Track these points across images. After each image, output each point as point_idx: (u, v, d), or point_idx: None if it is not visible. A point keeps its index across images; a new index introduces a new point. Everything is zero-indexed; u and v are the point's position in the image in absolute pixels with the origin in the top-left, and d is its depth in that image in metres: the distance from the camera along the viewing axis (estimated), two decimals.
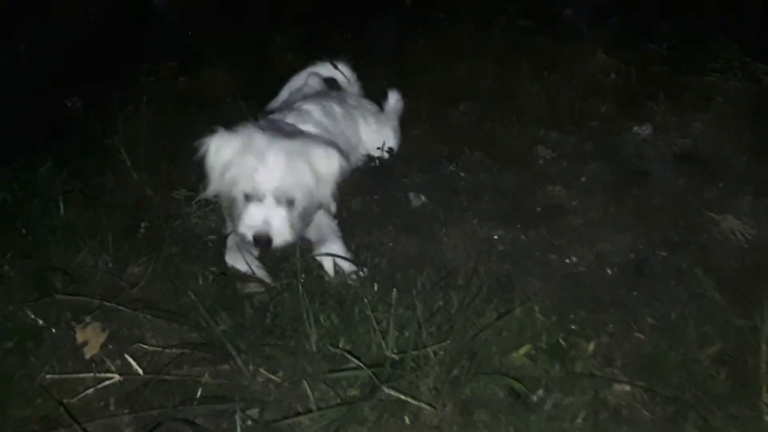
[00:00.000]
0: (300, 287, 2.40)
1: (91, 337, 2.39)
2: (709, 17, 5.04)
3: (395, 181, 3.52)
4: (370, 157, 3.64)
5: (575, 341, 2.46)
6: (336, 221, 3.06)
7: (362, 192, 3.42)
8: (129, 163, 3.32)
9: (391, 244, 3.07)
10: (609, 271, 2.90)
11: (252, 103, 3.91)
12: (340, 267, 2.76)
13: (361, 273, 2.76)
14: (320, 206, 2.99)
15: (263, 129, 2.85)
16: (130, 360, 2.13)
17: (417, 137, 3.88)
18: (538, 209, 3.35)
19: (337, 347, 2.30)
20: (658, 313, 2.61)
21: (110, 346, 2.37)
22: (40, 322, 2.43)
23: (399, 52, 4.79)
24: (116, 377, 2.20)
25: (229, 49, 4.65)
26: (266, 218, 2.73)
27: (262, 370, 2.31)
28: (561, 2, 5.03)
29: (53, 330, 2.41)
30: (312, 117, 3.41)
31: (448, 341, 2.33)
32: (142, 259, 2.70)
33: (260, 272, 2.74)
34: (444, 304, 2.58)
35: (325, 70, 4.12)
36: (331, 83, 4.03)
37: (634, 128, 3.91)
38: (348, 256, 2.83)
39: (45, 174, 3.20)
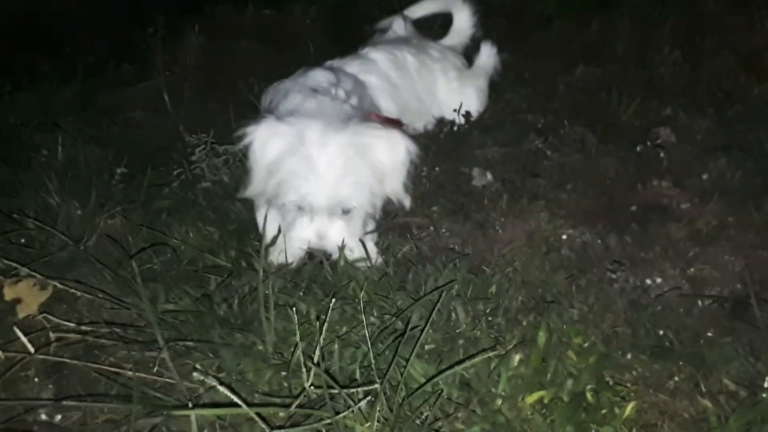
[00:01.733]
0: (260, 270, 1.92)
1: (25, 295, 2.05)
2: None
3: (465, 152, 2.92)
4: (442, 121, 3.04)
5: (610, 397, 1.81)
6: None
7: (420, 161, 2.86)
8: (167, 98, 2.95)
9: (431, 228, 2.51)
10: (698, 306, 2.18)
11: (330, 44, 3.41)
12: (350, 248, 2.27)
13: (370, 262, 2.24)
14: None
15: (315, 110, 2.37)
16: (19, 334, 1.75)
17: (509, 102, 3.23)
18: (633, 208, 2.63)
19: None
20: (745, 377, 1.89)
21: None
22: None
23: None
24: None
25: None
26: (320, 232, 2.24)
27: (198, 366, 1.88)
28: None
29: None
30: (377, 67, 2.89)
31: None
32: (118, 209, 2.33)
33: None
34: (447, 318, 2.02)
35: (423, 8, 3.56)
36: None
37: None
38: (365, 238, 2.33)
39: (70, 99, 2.91)
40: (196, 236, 2.33)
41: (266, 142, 2.27)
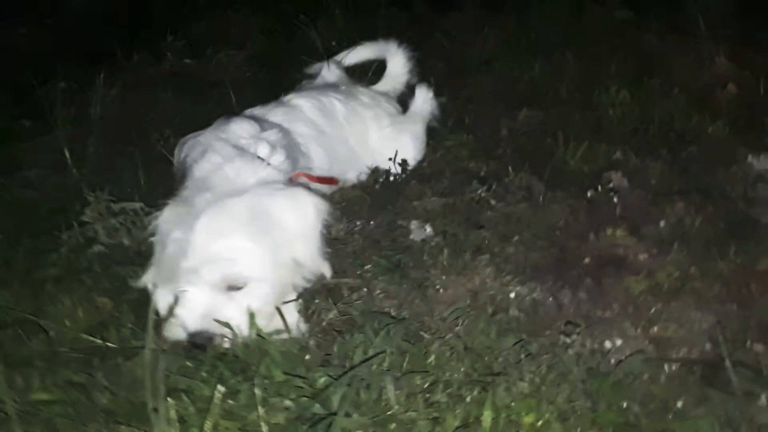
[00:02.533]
0: (148, 347, 1.59)
1: None
2: None
3: (401, 204, 2.65)
4: (377, 170, 2.78)
5: None
6: None
7: (352, 214, 2.58)
8: (68, 157, 2.63)
9: (365, 290, 2.22)
10: (664, 371, 1.91)
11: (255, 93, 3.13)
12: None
13: (288, 333, 1.94)
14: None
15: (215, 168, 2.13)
16: None
17: (449, 150, 2.97)
18: (586, 261, 2.38)
19: None
20: None
21: None
22: None
23: (461, 42, 3.84)
24: None
25: (246, 27, 3.90)
26: (207, 310, 1.89)
27: None
28: None
29: None
30: (302, 114, 2.64)
31: None
32: None
33: None
34: (378, 398, 1.71)
35: (357, 55, 3.32)
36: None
37: (749, 158, 2.79)
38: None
39: None
40: (86, 309, 1.99)
41: (165, 222, 2.03)
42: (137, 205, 2.15)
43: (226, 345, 1.87)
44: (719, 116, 3.06)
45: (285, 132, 2.46)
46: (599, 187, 2.70)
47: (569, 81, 3.38)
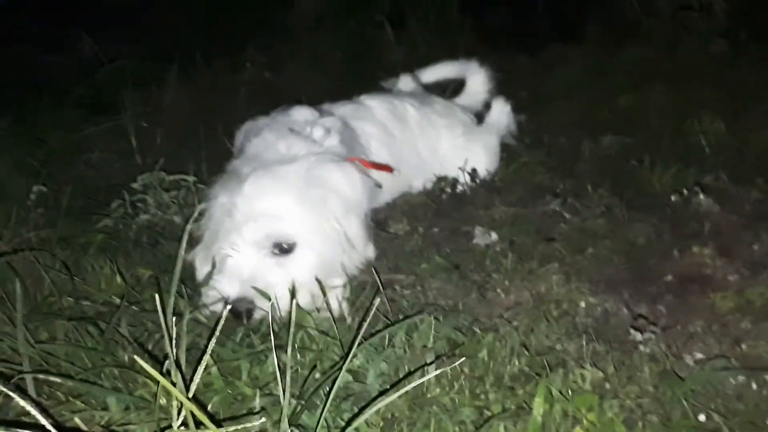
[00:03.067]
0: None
1: None
2: None
3: (468, 211, 2.49)
4: (445, 179, 2.64)
5: None
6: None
7: (415, 218, 2.44)
8: (134, 145, 2.61)
9: (419, 287, 2.05)
10: (752, 388, 1.65)
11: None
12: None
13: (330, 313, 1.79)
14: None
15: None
16: None
17: (525, 165, 2.81)
18: (668, 278, 2.14)
19: None
20: None
21: None
22: None
23: (545, 69, 3.72)
24: None
25: (328, 47, 3.89)
26: (249, 276, 1.78)
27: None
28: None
29: None
30: (372, 114, 2.55)
31: None
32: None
33: None
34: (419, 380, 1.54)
35: (436, 72, 3.23)
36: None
37: None
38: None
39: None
40: (125, 278, 1.91)
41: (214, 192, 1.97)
42: (191, 179, 2.07)
43: (264, 314, 1.73)
44: None
45: (345, 123, 2.37)
46: (687, 209, 2.48)
47: (659, 111, 3.18)
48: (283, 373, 1.30)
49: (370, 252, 2.03)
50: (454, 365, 1.55)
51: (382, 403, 1.20)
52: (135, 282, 1.94)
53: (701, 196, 2.54)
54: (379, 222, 2.40)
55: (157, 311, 1.27)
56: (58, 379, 1.43)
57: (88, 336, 1.65)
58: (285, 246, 1.79)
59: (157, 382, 1.37)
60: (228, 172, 2.02)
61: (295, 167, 1.87)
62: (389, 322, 1.76)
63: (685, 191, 2.57)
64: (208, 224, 1.92)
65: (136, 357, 1.06)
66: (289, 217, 1.79)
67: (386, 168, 2.33)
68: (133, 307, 1.77)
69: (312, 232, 1.81)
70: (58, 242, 1.99)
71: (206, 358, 1.17)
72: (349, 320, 1.84)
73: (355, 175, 1.96)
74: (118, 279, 1.91)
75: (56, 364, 1.56)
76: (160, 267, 2.01)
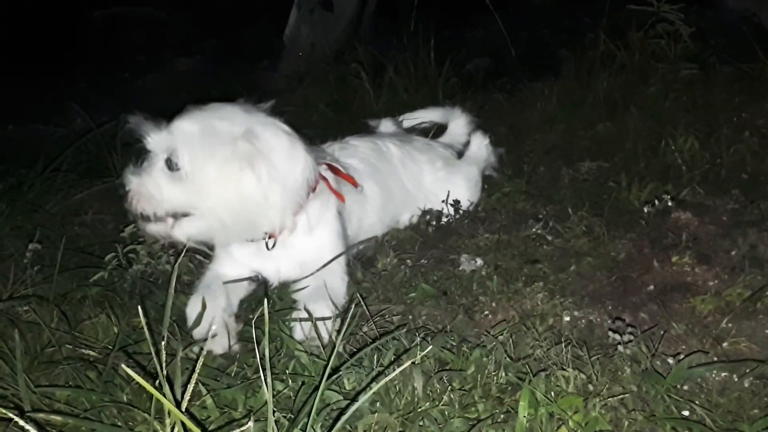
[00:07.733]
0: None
1: None
2: None
3: (453, 241, 2.56)
4: (429, 212, 2.71)
5: None
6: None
7: (401, 249, 2.51)
8: None
9: (408, 315, 2.11)
10: (733, 381, 1.70)
11: None
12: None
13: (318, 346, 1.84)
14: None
15: None
16: None
17: (506, 195, 2.88)
18: (650, 288, 2.20)
19: None
20: None
21: None
22: None
23: (522, 104, 3.83)
24: None
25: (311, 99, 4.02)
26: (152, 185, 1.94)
27: None
28: (744, 44, 3.71)
29: None
30: (357, 151, 2.63)
31: None
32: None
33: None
34: (408, 394, 1.58)
35: (418, 117, 3.35)
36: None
37: None
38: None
39: None
40: (121, 327, 1.96)
41: None
42: None
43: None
44: None
45: (335, 159, 2.46)
46: (666, 222, 2.55)
47: (635, 135, 3.27)
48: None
49: (290, 223, 2.08)
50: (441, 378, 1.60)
51: (353, 408, 1.25)
52: (131, 330, 2.00)
53: (679, 210, 2.61)
54: (368, 259, 2.47)
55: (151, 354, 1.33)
56: (59, 418, 1.48)
57: (87, 380, 1.70)
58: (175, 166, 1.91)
59: (156, 418, 1.43)
60: None
61: (239, 121, 1.97)
62: (378, 348, 1.80)
63: (661, 205, 2.64)
64: None
65: (123, 365, 1.11)
66: (187, 146, 1.90)
67: (351, 180, 2.38)
68: (129, 350, 1.83)
69: (200, 167, 1.90)
70: (55, 297, 2.05)
71: (195, 375, 1.23)
72: (340, 348, 1.89)
73: (300, 154, 2.03)
74: (115, 329, 1.96)
75: (57, 408, 1.61)
76: (153, 316, 2.06)
